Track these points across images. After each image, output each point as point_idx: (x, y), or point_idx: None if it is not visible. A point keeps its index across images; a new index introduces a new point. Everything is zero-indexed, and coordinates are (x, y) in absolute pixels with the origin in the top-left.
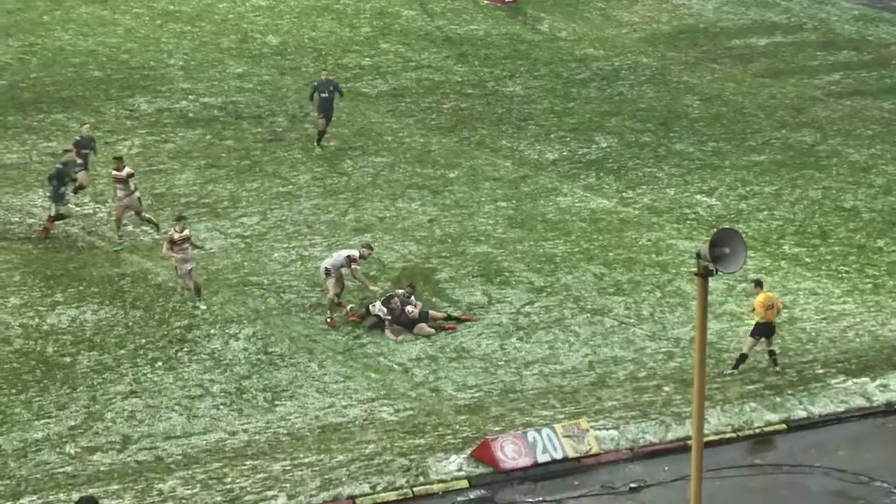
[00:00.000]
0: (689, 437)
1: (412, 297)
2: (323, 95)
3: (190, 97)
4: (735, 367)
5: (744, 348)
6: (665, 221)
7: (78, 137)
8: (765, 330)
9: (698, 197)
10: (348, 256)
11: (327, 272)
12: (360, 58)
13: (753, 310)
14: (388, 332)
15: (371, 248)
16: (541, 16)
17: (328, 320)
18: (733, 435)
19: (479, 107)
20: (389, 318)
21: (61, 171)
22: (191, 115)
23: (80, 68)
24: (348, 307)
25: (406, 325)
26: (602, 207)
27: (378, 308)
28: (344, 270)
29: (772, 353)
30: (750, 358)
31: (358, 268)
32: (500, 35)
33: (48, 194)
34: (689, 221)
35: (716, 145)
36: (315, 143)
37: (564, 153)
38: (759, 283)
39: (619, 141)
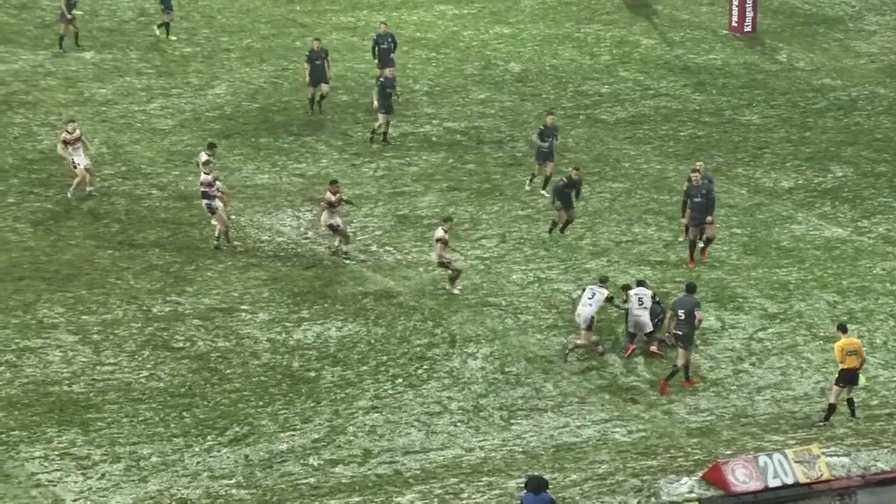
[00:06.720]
0: None
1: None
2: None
3: (434, 122)
4: (826, 419)
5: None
6: None
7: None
8: (848, 377)
9: None
10: (609, 298)
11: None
12: (600, 85)
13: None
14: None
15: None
16: (779, 46)
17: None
18: None
19: (715, 135)
20: None
21: None
22: (434, 138)
23: (329, 92)
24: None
25: None
26: (836, 236)
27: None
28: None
29: (850, 401)
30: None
31: None
32: (738, 64)
33: None
34: None
35: None
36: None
37: (800, 181)
38: (843, 328)
39: (855, 170)
